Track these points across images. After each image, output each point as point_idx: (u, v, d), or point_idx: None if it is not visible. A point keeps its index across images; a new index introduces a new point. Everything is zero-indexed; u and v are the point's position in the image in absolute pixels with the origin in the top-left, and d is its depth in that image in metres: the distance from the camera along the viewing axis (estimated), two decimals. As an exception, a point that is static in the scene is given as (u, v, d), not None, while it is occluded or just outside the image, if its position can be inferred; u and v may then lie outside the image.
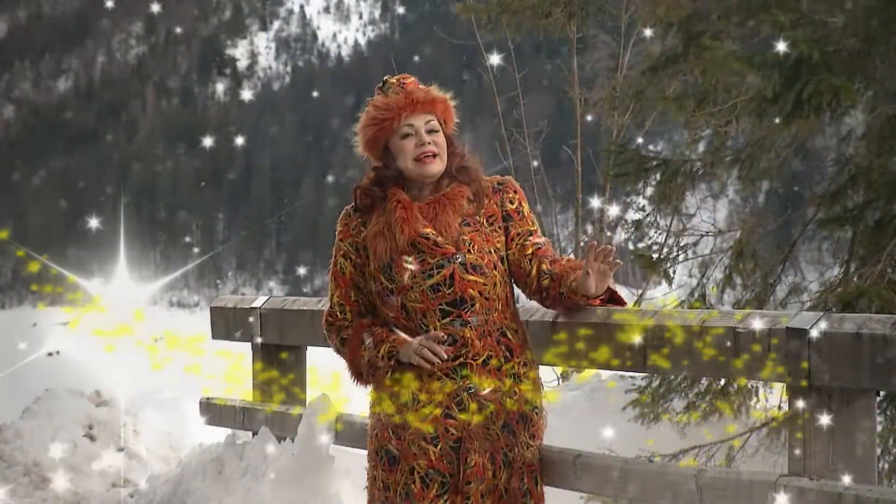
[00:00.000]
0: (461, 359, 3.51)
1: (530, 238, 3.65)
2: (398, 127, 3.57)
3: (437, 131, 3.59)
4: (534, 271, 3.62)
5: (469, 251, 3.54)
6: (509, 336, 3.59)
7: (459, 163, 3.63)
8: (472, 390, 3.51)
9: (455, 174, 3.62)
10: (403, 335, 3.52)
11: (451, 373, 3.51)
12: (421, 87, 3.63)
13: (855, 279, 5.28)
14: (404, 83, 3.62)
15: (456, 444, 3.51)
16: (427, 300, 3.51)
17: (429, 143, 3.56)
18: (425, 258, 3.52)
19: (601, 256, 3.49)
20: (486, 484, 3.53)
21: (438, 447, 3.51)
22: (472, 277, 3.52)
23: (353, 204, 3.68)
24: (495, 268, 3.57)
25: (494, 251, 3.59)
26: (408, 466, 3.52)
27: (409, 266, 3.49)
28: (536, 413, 3.62)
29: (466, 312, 3.51)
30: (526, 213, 3.68)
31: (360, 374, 3.64)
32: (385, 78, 3.68)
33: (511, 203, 3.67)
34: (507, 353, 3.57)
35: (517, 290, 3.75)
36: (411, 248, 3.52)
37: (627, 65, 9.58)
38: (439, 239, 3.53)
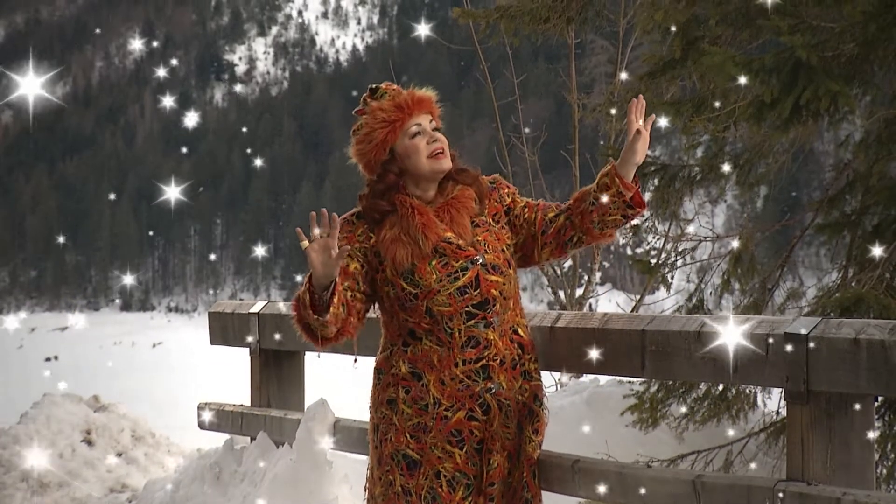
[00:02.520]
0: (483, 360, 3.52)
1: (527, 207, 3.68)
2: (408, 126, 3.59)
3: (439, 129, 3.63)
4: (539, 217, 3.64)
5: (486, 251, 3.56)
6: (520, 333, 3.62)
7: (458, 165, 3.66)
8: (494, 391, 3.52)
9: (455, 176, 3.65)
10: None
11: (473, 375, 3.51)
12: (406, 91, 3.67)
13: (853, 284, 5.28)
14: (392, 87, 3.65)
15: (479, 445, 3.52)
16: (455, 303, 3.50)
17: (439, 140, 3.59)
18: (448, 262, 3.52)
19: (640, 112, 3.51)
20: (504, 483, 3.55)
21: (464, 450, 3.52)
22: (493, 277, 3.53)
23: (354, 211, 3.66)
24: (509, 265, 3.60)
25: (506, 248, 3.62)
26: (432, 470, 3.52)
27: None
28: (541, 408, 3.64)
29: (489, 313, 3.52)
30: (521, 202, 3.71)
31: (311, 331, 3.46)
32: (372, 86, 3.70)
33: (508, 197, 3.70)
34: (520, 350, 3.60)
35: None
36: (434, 253, 3.53)
37: (625, 70, 9.59)
38: (460, 242, 3.54)
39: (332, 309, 3.37)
